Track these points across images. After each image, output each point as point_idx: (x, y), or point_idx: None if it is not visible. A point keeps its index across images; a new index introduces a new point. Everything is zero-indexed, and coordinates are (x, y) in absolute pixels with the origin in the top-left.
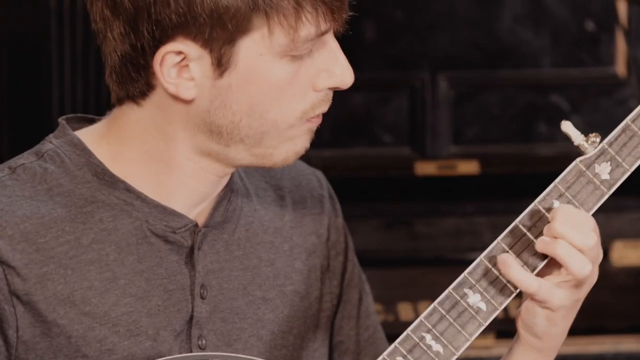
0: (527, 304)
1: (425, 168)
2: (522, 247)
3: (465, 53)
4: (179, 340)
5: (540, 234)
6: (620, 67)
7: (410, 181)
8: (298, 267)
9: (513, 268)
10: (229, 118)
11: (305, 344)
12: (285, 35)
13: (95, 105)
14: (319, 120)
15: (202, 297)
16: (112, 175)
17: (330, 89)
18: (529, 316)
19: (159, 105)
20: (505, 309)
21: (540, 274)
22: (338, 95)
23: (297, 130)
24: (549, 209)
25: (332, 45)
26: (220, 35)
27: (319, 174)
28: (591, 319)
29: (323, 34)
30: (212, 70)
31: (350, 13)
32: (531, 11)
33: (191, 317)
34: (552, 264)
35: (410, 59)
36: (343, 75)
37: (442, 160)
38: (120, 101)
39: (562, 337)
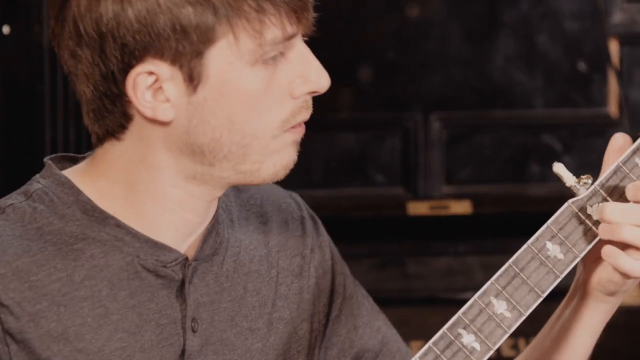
0: (613, 278)
1: (418, 208)
2: (515, 288)
3: (457, 94)
4: None
5: (533, 274)
6: (612, 108)
7: (402, 221)
8: (283, 292)
9: (621, 257)
10: (210, 135)
11: None
12: (251, 40)
13: (87, 147)
14: (302, 130)
15: (193, 331)
16: (102, 212)
17: (307, 94)
18: (617, 286)
19: (138, 135)
20: (498, 350)
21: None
22: (331, 135)
23: (281, 141)
24: (541, 250)
25: (302, 50)
26: (187, 49)
27: (296, 196)
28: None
29: (290, 37)
30: (185, 87)
31: (315, 14)
32: (524, 52)
33: (183, 351)
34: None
35: (403, 99)
36: (318, 79)
37: (435, 201)
38: (101, 140)
39: None
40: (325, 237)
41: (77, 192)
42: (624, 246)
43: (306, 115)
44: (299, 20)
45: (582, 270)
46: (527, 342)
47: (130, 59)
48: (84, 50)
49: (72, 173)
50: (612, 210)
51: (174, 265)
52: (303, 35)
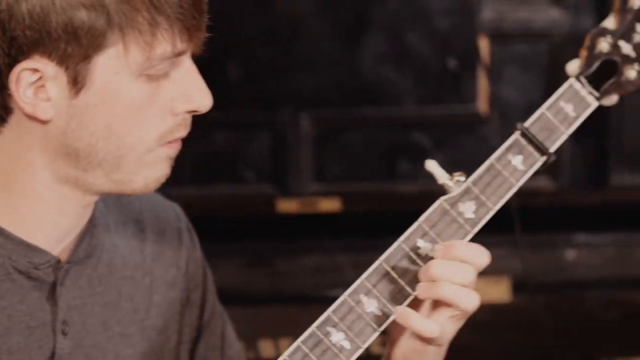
0: (415, 346)
1: (288, 206)
2: (386, 285)
3: (328, 92)
4: None
5: (405, 272)
6: (482, 105)
7: (272, 219)
8: (157, 301)
9: (414, 318)
10: (86, 140)
11: None
12: (140, 52)
13: None
14: (178, 146)
15: (63, 334)
16: None
17: (188, 112)
18: (417, 354)
19: (17, 130)
20: (368, 346)
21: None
22: (201, 132)
23: (156, 155)
24: (413, 248)
25: (190, 69)
26: (75, 51)
27: (176, 207)
28: (450, 357)
29: (180, 54)
30: (68, 89)
31: (207, 34)
32: (394, 50)
33: (53, 354)
34: (437, 302)
35: (273, 97)
36: (202, 99)
37: (304, 198)
38: None
39: None
40: (199, 250)
41: None
42: (435, 305)
43: (183, 132)
44: (190, 38)
45: (388, 347)
46: None
47: (17, 53)
48: None
49: None
50: (437, 266)
51: (45, 268)
52: (192, 54)
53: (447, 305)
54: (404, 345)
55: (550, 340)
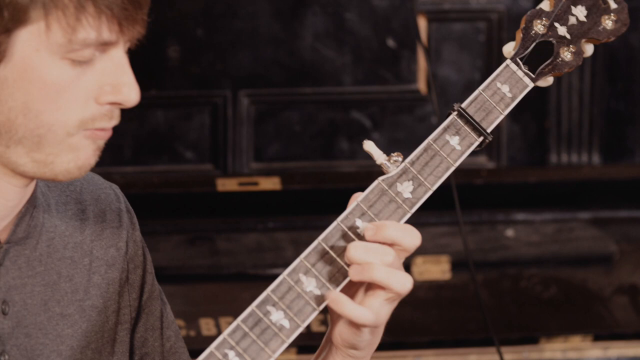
0: (349, 328)
1: (227, 184)
2: (325, 265)
3: (267, 71)
4: None
5: (343, 251)
6: (421, 84)
7: (212, 198)
8: (96, 281)
9: (346, 305)
10: (5, 114)
11: (104, 358)
12: (62, 34)
13: None
14: (104, 135)
15: (3, 313)
16: None
17: (113, 104)
18: (353, 337)
19: None
20: (308, 325)
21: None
22: (140, 112)
23: (78, 140)
24: (351, 227)
25: (121, 61)
26: None
27: (116, 188)
28: (392, 334)
29: (107, 43)
30: None
31: (144, 33)
32: (332, 29)
33: None
34: (371, 285)
35: (212, 76)
36: (129, 93)
37: (244, 177)
38: None
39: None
40: (139, 232)
41: None
42: (369, 287)
43: (108, 124)
44: (121, 30)
45: (330, 323)
46: None
47: None
48: None
49: None
50: (355, 249)
51: None
52: (127, 45)
53: (381, 287)
54: (341, 326)
55: (490, 317)
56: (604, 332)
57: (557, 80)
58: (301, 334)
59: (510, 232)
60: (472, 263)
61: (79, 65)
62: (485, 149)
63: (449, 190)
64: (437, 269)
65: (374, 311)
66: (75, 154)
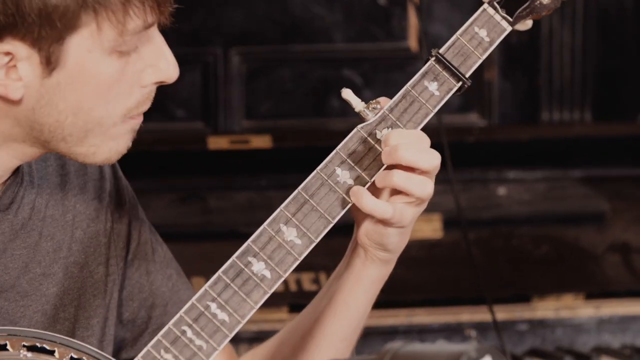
0: (376, 228)
1: (218, 142)
2: (305, 214)
3: (258, 28)
4: None
5: (323, 200)
6: (413, 42)
7: (203, 156)
8: (78, 236)
9: (365, 197)
10: (55, 117)
11: (92, 311)
12: (113, 30)
13: None
14: (140, 119)
15: None
16: None
17: (155, 83)
18: (380, 237)
19: None
20: (299, 283)
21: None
22: None
23: (121, 129)
24: (330, 176)
25: (157, 40)
26: (49, 34)
27: None
28: (384, 292)
29: (149, 26)
30: (40, 69)
31: (176, 6)
32: None
33: None
34: (392, 190)
35: (203, 34)
36: (168, 69)
37: (235, 135)
38: None
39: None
40: (123, 181)
41: None
42: (391, 193)
43: (147, 106)
44: (160, 11)
45: (355, 226)
46: (328, 276)
47: None
48: None
49: None
50: (392, 136)
51: None
52: (160, 25)
53: (402, 193)
54: (367, 225)
55: (482, 276)
56: (596, 291)
57: (549, 36)
58: (293, 293)
59: (502, 191)
60: (464, 221)
61: (125, 55)
62: (477, 107)
63: (441, 149)
64: (429, 228)
65: (397, 211)
66: (116, 141)
